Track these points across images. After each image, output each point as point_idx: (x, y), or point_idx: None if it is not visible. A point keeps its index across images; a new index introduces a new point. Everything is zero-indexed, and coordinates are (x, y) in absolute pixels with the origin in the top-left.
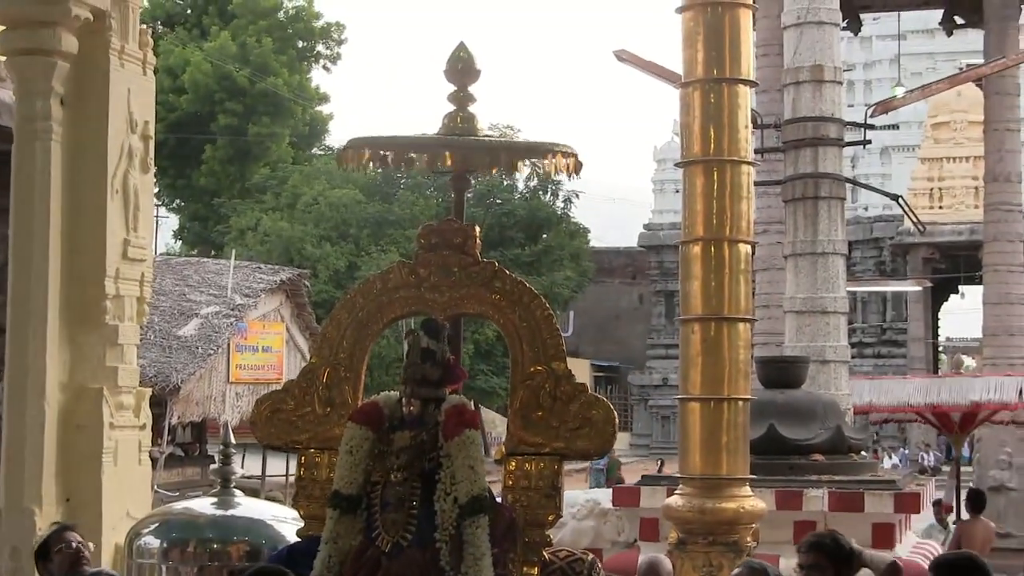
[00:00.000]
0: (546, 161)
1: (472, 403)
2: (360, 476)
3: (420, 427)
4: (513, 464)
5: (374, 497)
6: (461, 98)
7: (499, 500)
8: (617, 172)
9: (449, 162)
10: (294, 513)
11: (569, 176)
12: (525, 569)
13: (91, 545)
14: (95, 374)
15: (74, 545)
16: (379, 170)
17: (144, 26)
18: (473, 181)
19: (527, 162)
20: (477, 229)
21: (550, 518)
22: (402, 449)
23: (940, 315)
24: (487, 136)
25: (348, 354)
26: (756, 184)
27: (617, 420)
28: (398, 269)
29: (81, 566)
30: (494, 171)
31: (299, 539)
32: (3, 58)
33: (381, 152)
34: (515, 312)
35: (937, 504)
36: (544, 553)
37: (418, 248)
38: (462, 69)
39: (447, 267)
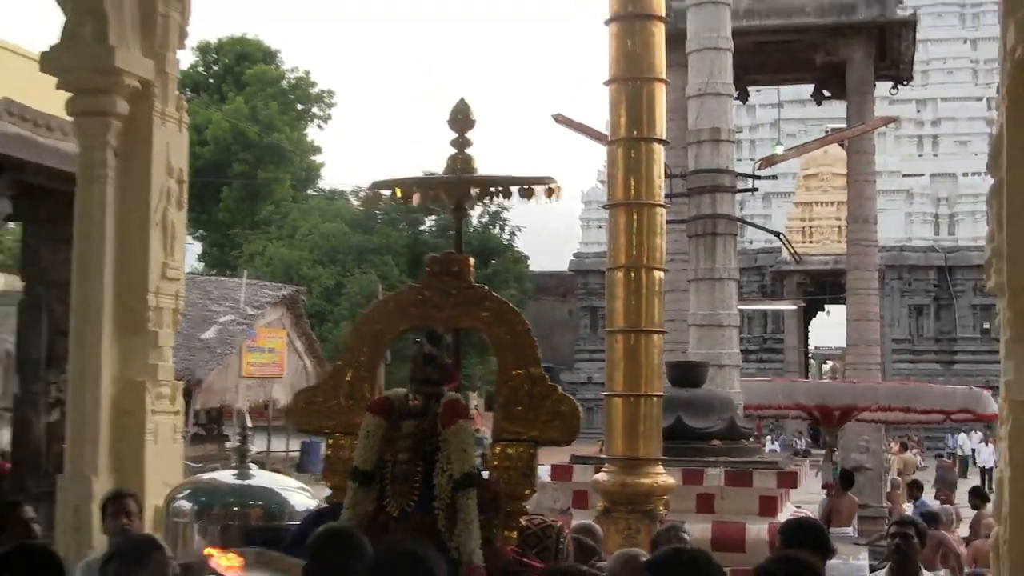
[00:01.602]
0: (535, 189)
1: (464, 399)
2: (374, 456)
3: (423, 417)
4: (498, 448)
5: (385, 473)
6: (460, 143)
7: (486, 477)
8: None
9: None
10: (297, 483)
11: (554, 200)
12: (506, 533)
13: (138, 513)
14: (140, 370)
15: (122, 516)
16: (397, 205)
17: (179, 93)
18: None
19: (513, 192)
20: (472, 260)
21: (526, 492)
22: (408, 435)
23: (810, 328)
24: (482, 175)
25: (367, 358)
26: (667, 223)
27: (581, 414)
28: (408, 291)
29: (125, 533)
30: (489, 202)
31: (326, 505)
32: (71, 118)
33: (388, 191)
34: (501, 327)
35: (825, 486)
36: (521, 520)
37: (424, 274)
38: (461, 120)
39: (447, 290)
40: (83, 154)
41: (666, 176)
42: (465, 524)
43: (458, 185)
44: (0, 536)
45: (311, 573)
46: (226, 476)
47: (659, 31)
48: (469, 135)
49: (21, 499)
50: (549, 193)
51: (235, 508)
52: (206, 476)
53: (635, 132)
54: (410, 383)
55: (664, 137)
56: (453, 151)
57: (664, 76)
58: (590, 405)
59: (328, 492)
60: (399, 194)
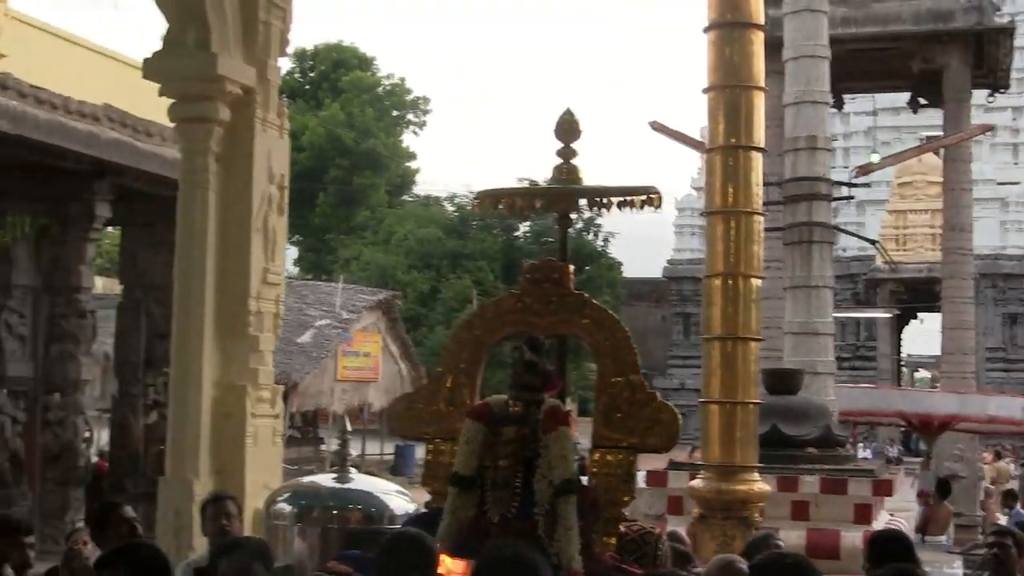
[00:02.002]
0: (637, 199)
1: (565, 406)
2: (475, 461)
3: (523, 424)
4: (597, 455)
5: (486, 479)
6: (566, 153)
7: (585, 483)
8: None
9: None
10: (395, 487)
11: (656, 208)
12: (605, 539)
13: (237, 515)
14: (240, 374)
15: (222, 518)
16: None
17: (280, 99)
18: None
19: (617, 202)
20: (571, 268)
21: (625, 499)
22: (509, 441)
23: (903, 336)
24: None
25: (467, 364)
26: (764, 230)
27: (681, 422)
28: (508, 298)
29: (225, 536)
30: (592, 211)
31: (426, 510)
32: (173, 124)
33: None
34: (600, 334)
35: (921, 494)
36: (620, 526)
37: (523, 281)
38: (567, 130)
39: (546, 297)
40: (185, 160)
41: (763, 184)
42: (565, 530)
43: (566, 195)
44: (103, 535)
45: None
46: (326, 479)
47: (758, 39)
48: (575, 145)
49: (121, 500)
50: (650, 203)
51: (335, 511)
52: (306, 479)
53: (733, 140)
54: (510, 389)
55: (763, 145)
56: (558, 160)
57: (763, 84)
58: (683, 411)
59: (427, 497)
60: (504, 205)
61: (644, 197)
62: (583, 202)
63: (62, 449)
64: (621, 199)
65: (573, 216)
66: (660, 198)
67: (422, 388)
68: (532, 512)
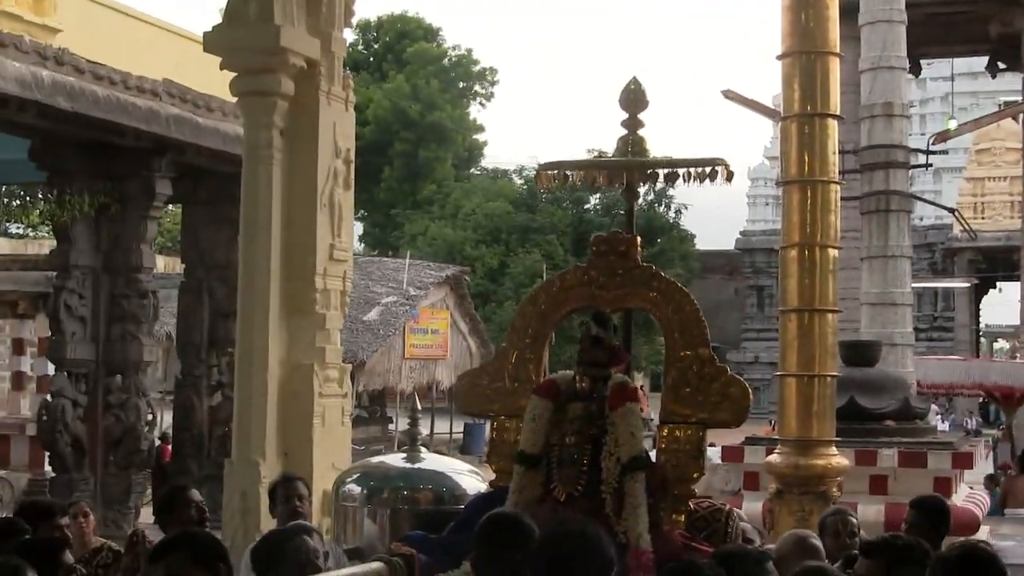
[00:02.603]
0: (706, 170)
1: (633, 382)
2: (541, 439)
3: (590, 400)
4: (665, 431)
5: (552, 456)
6: (632, 124)
7: (654, 460)
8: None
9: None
10: (467, 466)
11: (727, 181)
12: (674, 516)
13: (309, 500)
14: (307, 352)
15: (294, 500)
16: (569, 186)
17: (346, 71)
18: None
19: (684, 174)
20: (639, 239)
21: (695, 475)
22: (575, 418)
23: (981, 306)
24: (655, 158)
25: (532, 339)
26: (840, 199)
27: (751, 397)
28: (573, 271)
29: (297, 518)
30: (660, 184)
31: (492, 489)
32: (235, 99)
33: (567, 173)
34: (669, 307)
35: (1003, 466)
36: (690, 504)
37: (590, 254)
38: (633, 99)
39: (613, 270)
40: (248, 135)
41: (839, 152)
42: (633, 508)
43: (631, 167)
44: (168, 519)
45: (479, 562)
46: (395, 460)
47: (833, 4)
48: (641, 116)
49: (187, 482)
50: (714, 175)
51: (405, 492)
52: (375, 460)
53: (809, 107)
54: (577, 365)
55: (839, 112)
56: (623, 131)
57: (838, 50)
58: (756, 385)
59: (473, 475)
60: (571, 177)
61: (711, 169)
62: (650, 174)
63: (124, 432)
64: (688, 171)
65: (643, 188)
66: (729, 170)
67: (487, 364)
68: (599, 490)
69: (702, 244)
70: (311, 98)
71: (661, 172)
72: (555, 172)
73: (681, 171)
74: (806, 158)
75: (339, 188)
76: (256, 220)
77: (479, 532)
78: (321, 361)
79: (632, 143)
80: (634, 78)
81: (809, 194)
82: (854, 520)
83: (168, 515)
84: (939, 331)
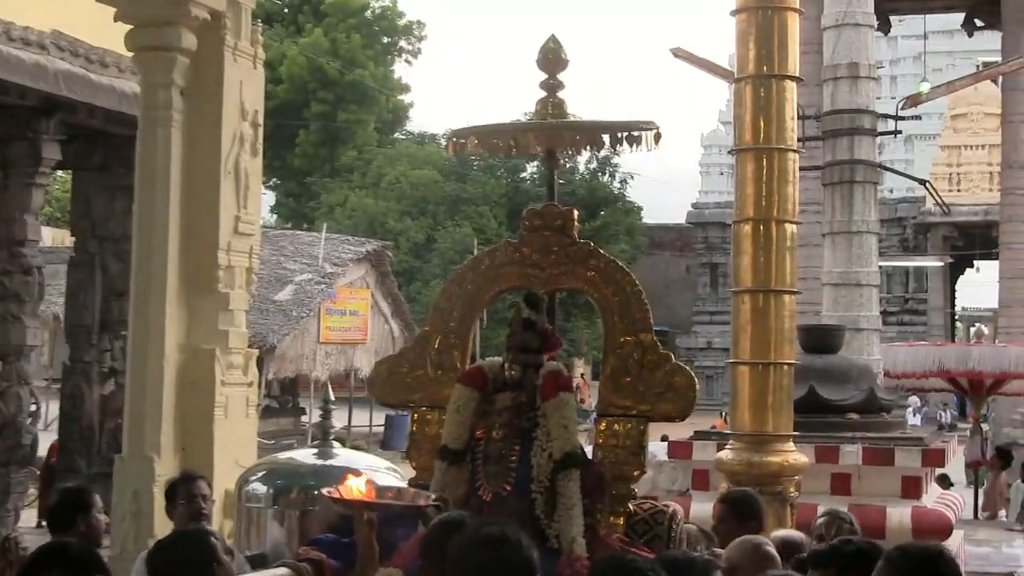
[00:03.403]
0: (632, 135)
1: (569, 367)
2: (466, 432)
3: (520, 389)
4: (603, 424)
5: (478, 451)
6: (551, 85)
7: (589, 456)
8: (667, 156)
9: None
10: (385, 463)
11: (651, 147)
12: (612, 519)
13: (214, 499)
14: (208, 336)
15: (197, 499)
16: (482, 154)
17: (254, 25)
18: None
19: (609, 139)
20: (576, 213)
21: (635, 473)
22: (504, 409)
23: (957, 287)
24: (576, 119)
25: (458, 323)
26: (799, 169)
27: (698, 386)
28: (504, 248)
29: (200, 520)
30: (584, 150)
31: (411, 487)
32: (131, 54)
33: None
34: (608, 288)
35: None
36: (629, 505)
37: (522, 229)
38: (552, 59)
39: (548, 247)
40: (145, 94)
41: (799, 118)
42: (566, 509)
43: (546, 132)
44: (69, 533)
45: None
46: (306, 455)
47: None
48: (561, 76)
49: (73, 482)
50: (643, 139)
51: (316, 492)
52: (283, 455)
53: (765, 68)
54: (506, 351)
55: (797, 74)
56: (543, 94)
57: (798, 5)
58: (710, 373)
59: (392, 472)
60: (479, 144)
61: (638, 132)
62: (573, 142)
63: (4, 424)
64: (615, 136)
65: (585, 156)
66: (657, 132)
67: (407, 350)
68: (529, 489)
69: (650, 217)
70: (215, 54)
71: (584, 137)
72: (465, 140)
73: (606, 135)
74: (762, 124)
75: (246, 154)
76: (153, 189)
77: (430, 537)
78: (224, 345)
79: (552, 106)
80: (552, 36)
81: (765, 163)
82: (858, 528)
83: (64, 527)
84: (910, 314)
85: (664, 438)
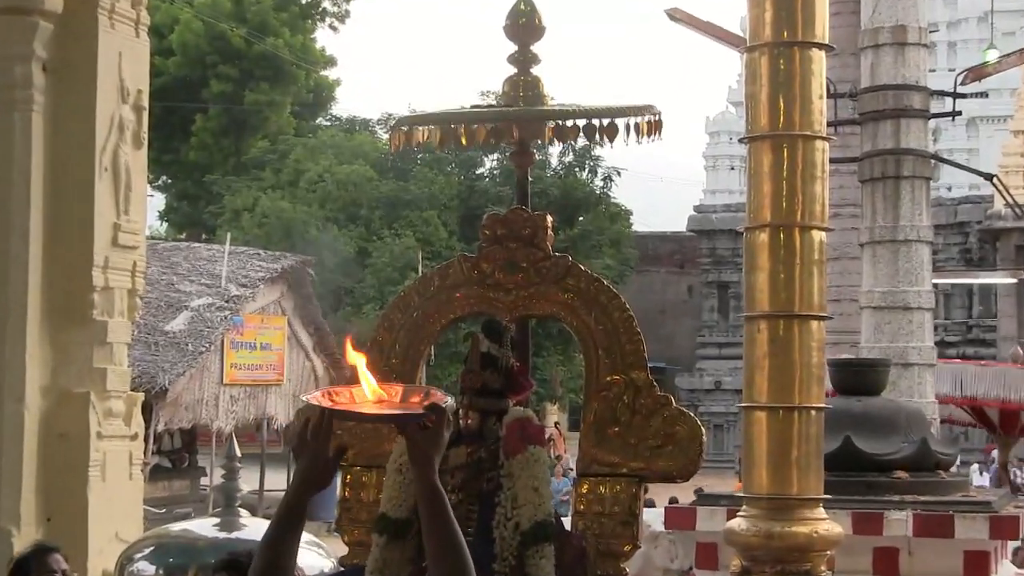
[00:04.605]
0: (626, 122)
1: (537, 416)
2: (411, 498)
3: (479, 442)
4: (585, 486)
5: None
6: (524, 60)
7: (567, 527)
8: (663, 147)
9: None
10: (307, 536)
11: (651, 138)
12: None
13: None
14: (81, 377)
15: (57, 573)
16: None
17: None
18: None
19: (598, 128)
20: (549, 219)
21: (626, 548)
22: (458, 467)
23: None
24: (558, 105)
25: (401, 360)
26: (830, 161)
27: (705, 438)
28: (459, 264)
29: None
30: (566, 140)
31: (341, 568)
32: None
33: (425, 129)
34: (591, 314)
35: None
36: None
37: (481, 240)
38: (524, 25)
39: (514, 262)
40: None
41: (829, 95)
42: None
43: (520, 120)
44: None
45: None
46: (205, 527)
47: None
48: (536, 48)
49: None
50: (643, 129)
51: (216, 572)
52: (177, 527)
53: (786, 33)
54: (461, 395)
55: (827, 40)
56: (513, 71)
57: None
58: (719, 422)
59: (318, 549)
60: (434, 136)
61: (634, 121)
62: (552, 131)
63: None
64: (599, 123)
65: (558, 147)
66: (657, 120)
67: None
68: (492, 569)
69: (642, 224)
70: (87, 19)
71: (564, 126)
72: (415, 130)
73: (587, 123)
74: (781, 104)
75: (126, 145)
76: (9, 190)
77: None
78: (101, 388)
79: (524, 86)
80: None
81: (786, 154)
82: None
83: None
84: (976, 346)
85: (672, 500)
